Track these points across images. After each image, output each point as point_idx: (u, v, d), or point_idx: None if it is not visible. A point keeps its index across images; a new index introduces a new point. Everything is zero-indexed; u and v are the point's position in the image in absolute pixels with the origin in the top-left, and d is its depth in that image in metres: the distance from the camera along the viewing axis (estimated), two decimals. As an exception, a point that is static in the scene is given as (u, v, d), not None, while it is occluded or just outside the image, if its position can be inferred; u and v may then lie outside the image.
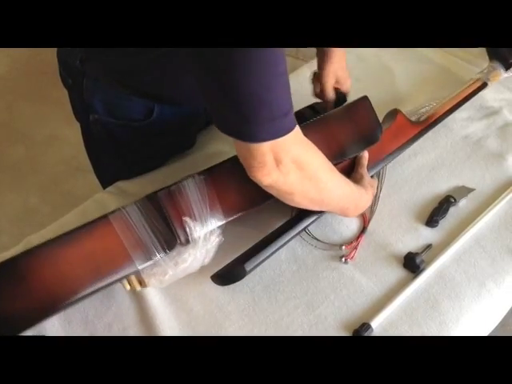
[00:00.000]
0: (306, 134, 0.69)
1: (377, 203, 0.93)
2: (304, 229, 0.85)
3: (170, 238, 0.75)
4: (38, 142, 2.13)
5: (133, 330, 0.78)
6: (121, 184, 0.98)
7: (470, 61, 1.21)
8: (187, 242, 0.76)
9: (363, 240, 0.88)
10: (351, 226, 0.90)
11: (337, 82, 0.97)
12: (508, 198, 0.93)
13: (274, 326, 0.79)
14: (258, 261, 0.80)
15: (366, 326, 0.77)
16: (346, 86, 0.99)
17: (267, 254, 0.81)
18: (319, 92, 0.99)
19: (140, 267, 0.74)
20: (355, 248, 0.87)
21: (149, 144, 0.96)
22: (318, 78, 0.98)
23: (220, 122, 0.65)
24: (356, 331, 0.77)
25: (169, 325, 0.78)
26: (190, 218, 0.75)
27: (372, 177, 0.92)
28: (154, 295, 0.81)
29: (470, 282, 0.83)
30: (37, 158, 2.08)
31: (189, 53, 0.61)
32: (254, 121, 0.62)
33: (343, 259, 0.85)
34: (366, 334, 0.76)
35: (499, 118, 1.08)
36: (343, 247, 0.87)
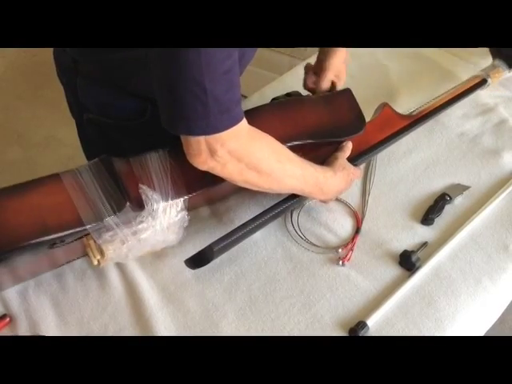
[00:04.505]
0: (275, 112, 0.74)
1: (366, 206, 0.93)
2: (273, 216, 0.84)
3: (120, 199, 0.75)
4: (35, 143, 2.12)
5: (129, 330, 0.78)
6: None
7: (463, 57, 1.21)
8: (140, 206, 0.76)
9: (358, 239, 0.88)
10: (346, 225, 0.91)
11: (336, 76, 0.95)
12: (504, 195, 0.94)
13: (271, 325, 0.79)
14: (225, 242, 0.80)
15: (362, 324, 0.77)
16: (342, 82, 0.96)
17: (234, 237, 0.81)
18: (312, 85, 0.95)
19: (88, 226, 0.73)
20: (351, 250, 0.87)
21: (142, 143, 0.95)
22: (315, 70, 0.94)
23: (162, 117, 0.67)
24: (352, 329, 0.77)
25: (165, 325, 0.78)
26: (149, 187, 0.76)
27: (356, 165, 0.91)
28: (150, 296, 0.82)
29: (466, 279, 0.83)
30: (34, 158, 2.08)
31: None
32: (188, 117, 0.64)
33: (340, 262, 0.85)
34: (362, 332, 0.76)
35: (494, 115, 1.08)
36: (340, 250, 0.87)
